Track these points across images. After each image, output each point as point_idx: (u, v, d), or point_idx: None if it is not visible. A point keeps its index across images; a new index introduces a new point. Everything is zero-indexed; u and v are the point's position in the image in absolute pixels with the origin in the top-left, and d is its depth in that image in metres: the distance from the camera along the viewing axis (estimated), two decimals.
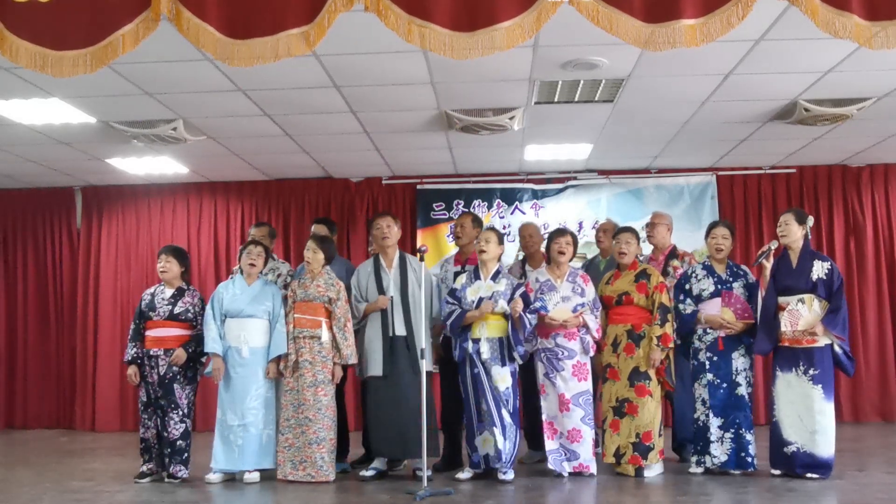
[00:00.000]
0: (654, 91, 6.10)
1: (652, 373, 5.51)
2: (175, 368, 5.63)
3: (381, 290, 5.67)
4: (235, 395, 5.64)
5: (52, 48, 3.73)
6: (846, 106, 6.34)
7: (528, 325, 5.38)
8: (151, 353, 5.67)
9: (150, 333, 5.71)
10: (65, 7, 3.71)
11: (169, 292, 5.80)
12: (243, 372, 5.64)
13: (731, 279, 5.62)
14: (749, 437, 5.46)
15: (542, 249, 6.58)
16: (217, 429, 5.68)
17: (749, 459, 5.45)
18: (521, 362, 5.51)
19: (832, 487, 5.09)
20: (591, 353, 5.60)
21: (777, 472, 5.39)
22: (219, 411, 5.70)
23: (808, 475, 5.24)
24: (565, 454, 5.53)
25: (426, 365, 5.38)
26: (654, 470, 5.53)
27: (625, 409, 5.51)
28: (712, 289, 5.61)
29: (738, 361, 5.53)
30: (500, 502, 4.94)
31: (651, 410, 5.49)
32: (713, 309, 5.58)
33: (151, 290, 5.89)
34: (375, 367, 5.59)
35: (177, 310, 5.73)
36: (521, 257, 6.80)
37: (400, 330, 5.57)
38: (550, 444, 5.55)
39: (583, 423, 5.50)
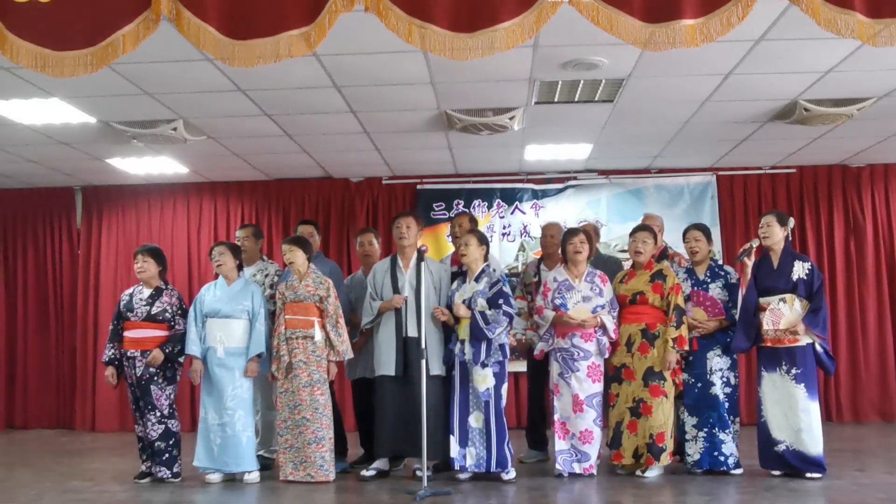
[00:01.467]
0: (654, 91, 6.10)
1: (667, 373, 5.49)
2: (152, 370, 5.62)
3: (396, 290, 5.65)
4: (214, 395, 5.64)
5: (52, 48, 3.73)
6: (846, 106, 6.34)
7: (481, 322, 5.36)
8: (129, 354, 5.66)
9: (127, 334, 5.70)
10: (65, 7, 3.71)
11: (147, 292, 5.79)
12: (220, 372, 5.63)
13: (708, 280, 5.64)
14: (723, 436, 5.47)
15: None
16: (199, 426, 5.70)
17: (722, 458, 5.46)
18: (496, 365, 5.46)
19: (832, 487, 5.09)
20: (607, 355, 5.57)
21: (777, 472, 5.39)
22: (201, 410, 5.72)
23: (808, 474, 5.24)
24: (576, 455, 5.52)
25: (436, 368, 5.45)
26: (653, 470, 5.53)
27: (640, 410, 5.50)
28: (689, 291, 5.64)
29: (714, 361, 5.54)
30: (500, 502, 4.94)
31: (665, 411, 5.47)
32: (689, 310, 5.60)
33: (130, 290, 5.88)
34: (388, 367, 5.56)
35: (154, 310, 5.71)
36: (525, 258, 6.80)
37: (413, 331, 5.53)
38: (561, 445, 5.54)
39: (594, 424, 5.50)
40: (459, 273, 5.81)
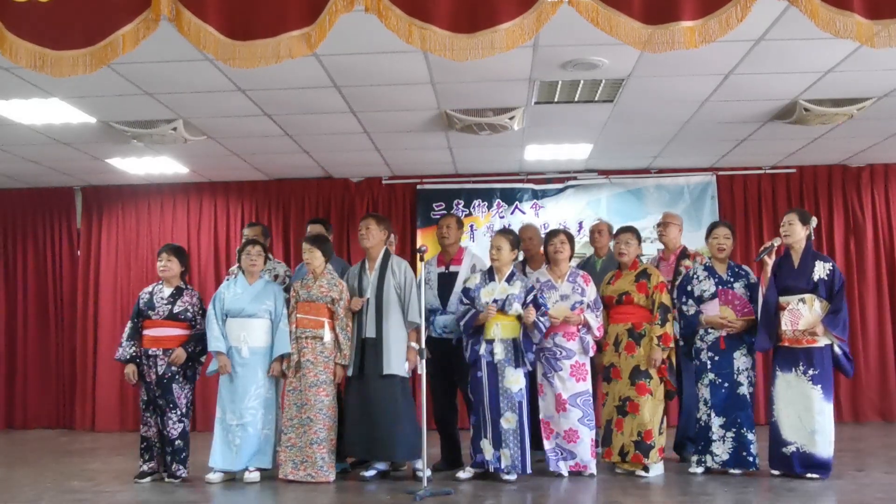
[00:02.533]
0: (654, 91, 6.10)
1: (653, 371, 5.52)
2: (174, 368, 5.63)
3: (359, 292, 5.70)
4: (235, 394, 5.65)
5: (51, 48, 3.72)
6: (846, 106, 6.33)
7: (542, 329, 5.37)
8: (150, 352, 5.66)
9: (148, 333, 5.70)
10: (65, 7, 3.71)
11: (168, 291, 5.80)
12: (243, 372, 5.64)
13: (731, 279, 5.63)
14: (750, 436, 5.47)
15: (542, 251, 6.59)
16: (216, 428, 5.67)
17: (750, 459, 5.46)
18: (530, 368, 5.49)
19: (832, 487, 5.10)
20: (591, 354, 5.60)
21: (777, 472, 5.39)
22: (218, 410, 5.70)
23: (809, 475, 5.25)
24: (561, 454, 5.54)
25: (394, 367, 5.45)
26: (654, 470, 5.54)
27: (626, 408, 5.54)
28: (713, 289, 5.62)
29: (740, 361, 5.54)
30: (500, 502, 4.95)
31: (651, 409, 5.50)
32: (714, 309, 5.59)
33: (150, 288, 5.88)
34: (348, 369, 5.64)
35: (176, 309, 5.73)
36: (520, 258, 6.80)
37: (370, 332, 5.60)
38: (547, 445, 5.58)
39: (580, 423, 5.50)
40: (447, 273, 5.87)
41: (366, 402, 5.54)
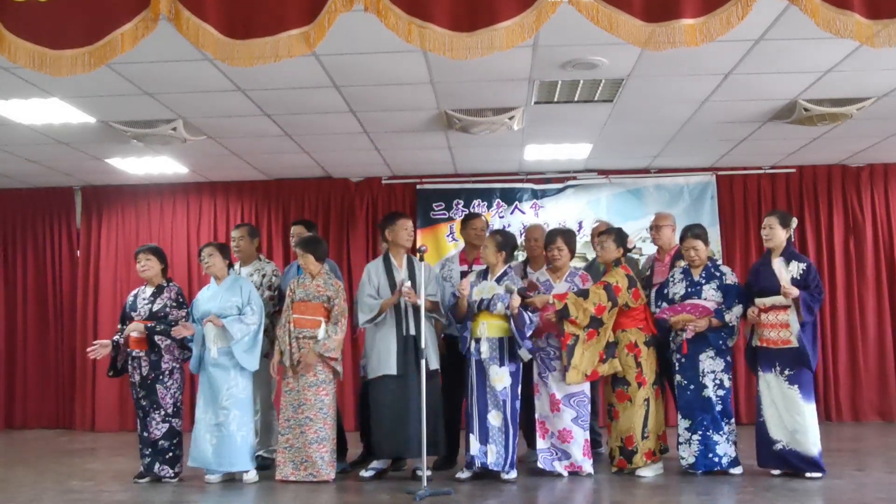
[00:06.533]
0: (654, 91, 6.09)
1: (631, 378, 5.51)
2: (163, 365, 5.64)
3: (393, 288, 5.67)
4: (209, 394, 5.65)
5: (50, 47, 3.72)
6: (846, 106, 6.33)
7: (527, 321, 5.36)
8: (134, 353, 5.68)
9: (132, 334, 5.70)
10: (63, 6, 3.71)
11: (149, 291, 5.82)
12: (215, 372, 5.63)
13: (703, 281, 5.59)
14: (717, 437, 5.46)
15: None
16: (195, 426, 5.67)
17: (717, 460, 5.46)
18: (526, 359, 5.47)
19: (832, 487, 5.10)
20: None
21: (776, 471, 5.39)
22: (197, 410, 5.70)
23: (808, 474, 5.25)
24: (556, 454, 5.56)
25: (434, 362, 5.45)
26: (653, 470, 5.54)
27: (612, 414, 5.63)
28: (682, 292, 5.61)
29: (706, 363, 5.52)
30: (500, 502, 4.94)
31: (629, 416, 5.51)
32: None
33: (135, 291, 5.93)
34: (389, 367, 5.56)
35: (156, 307, 5.73)
36: (521, 259, 6.80)
37: (412, 329, 5.59)
38: (541, 444, 5.59)
39: (574, 424, 5.51)
40: (470, 271, 5.86)
41: (410, 400, 5.44)
